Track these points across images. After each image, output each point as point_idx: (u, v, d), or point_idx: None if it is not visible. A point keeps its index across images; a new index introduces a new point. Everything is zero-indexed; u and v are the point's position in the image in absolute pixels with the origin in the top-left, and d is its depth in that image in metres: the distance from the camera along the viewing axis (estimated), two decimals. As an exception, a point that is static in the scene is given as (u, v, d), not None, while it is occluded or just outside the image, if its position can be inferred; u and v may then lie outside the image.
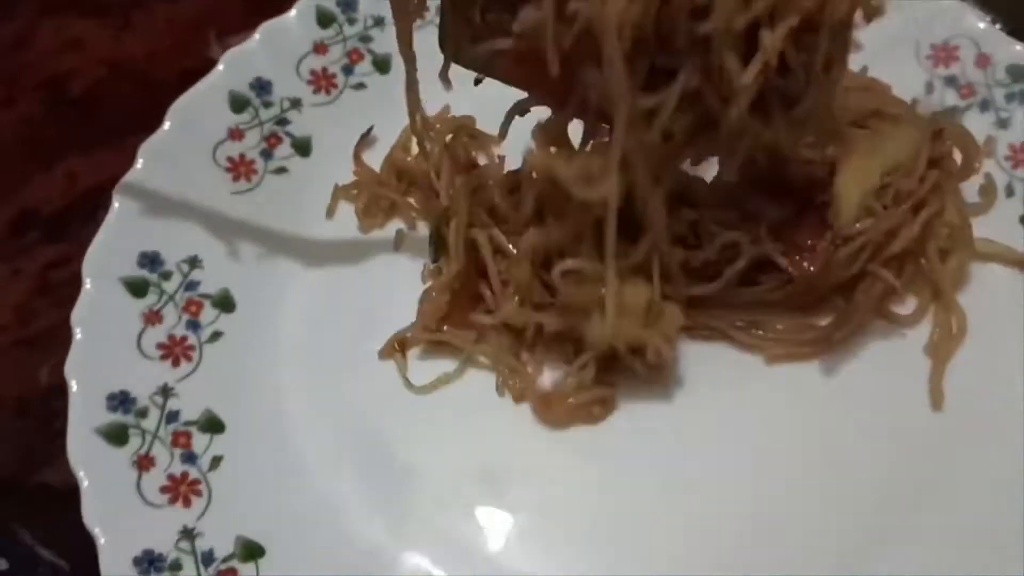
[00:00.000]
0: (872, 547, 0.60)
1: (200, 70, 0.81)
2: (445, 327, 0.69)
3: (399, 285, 0.72)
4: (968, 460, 0.63)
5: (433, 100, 0.77)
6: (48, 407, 0.71)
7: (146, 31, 0.90)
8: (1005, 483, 0.62)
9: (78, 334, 0.64)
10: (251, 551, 0.60)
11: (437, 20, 0.63)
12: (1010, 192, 0.72)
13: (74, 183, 0.82)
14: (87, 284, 0.66)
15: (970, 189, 0.72)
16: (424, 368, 0.69)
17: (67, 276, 0.75)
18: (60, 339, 0.70)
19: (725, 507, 0.62)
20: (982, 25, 0.76)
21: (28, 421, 0.71)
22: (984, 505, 0.61)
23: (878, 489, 0.62)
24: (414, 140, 0.74)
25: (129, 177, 0.70)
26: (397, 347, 0.69)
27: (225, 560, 0.59)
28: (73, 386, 0.62)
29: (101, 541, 0.57)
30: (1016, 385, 0.65)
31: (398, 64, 0.78)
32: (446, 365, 0.68)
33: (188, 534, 0.59)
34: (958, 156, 0.72)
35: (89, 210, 0.78)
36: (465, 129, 0.77)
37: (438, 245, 0.70)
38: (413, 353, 0.69)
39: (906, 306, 0.69)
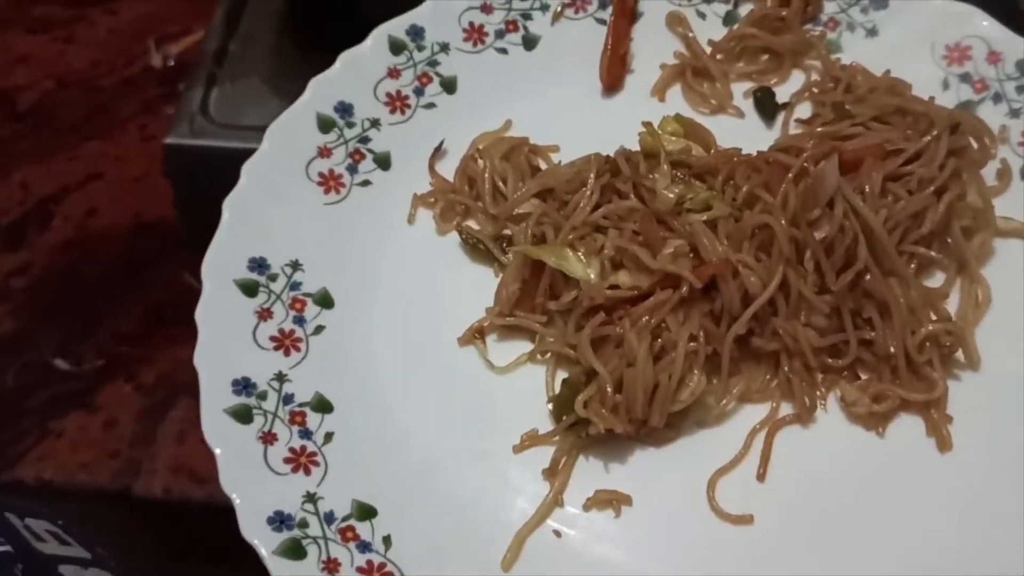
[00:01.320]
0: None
1: (142, 77, 0.90)
2: (518, 312, 0.78)
3: (474, 281, 0.80)
4: (1005, 413, 0.71)
5: (496, 117, 0.87)
6: (17, 407, 0.77)
7: (89, 43, 0.95)
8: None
9: (202, 330, 0.72)
10: (366, 511, 0.68)
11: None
12: (1024, 174, 0.80)
13: (29, 192, 0.87)
14: (206, 287, 0.74)
15: (988, 174, 0.80)
16: (501, 350, 0.77)
17: (27, 283, 0.81)
18: (25, 342, 0.76)
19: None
20: (990, 25, 0.84)
21: (-1, 420, 0.77)
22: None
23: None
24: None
25: (235, 192, 0.79)
26: (476, 335, 0.78)
27: (344, 519, 0.67)
28: (203, 375, 0.70)
29: (238, 503, 0.65)
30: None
31: (464, 84, 0.89)
32: (522, 347, 0.77)
33: (311, 498, 0.67)
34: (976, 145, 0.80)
35: (45, 218, 0.84)
36: (523, 144, 0.86)
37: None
38: (490, 338, 0.78)
39: (935, 280, 0.77)
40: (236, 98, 0.85)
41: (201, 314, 0.73)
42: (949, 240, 0.77)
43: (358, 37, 0.88)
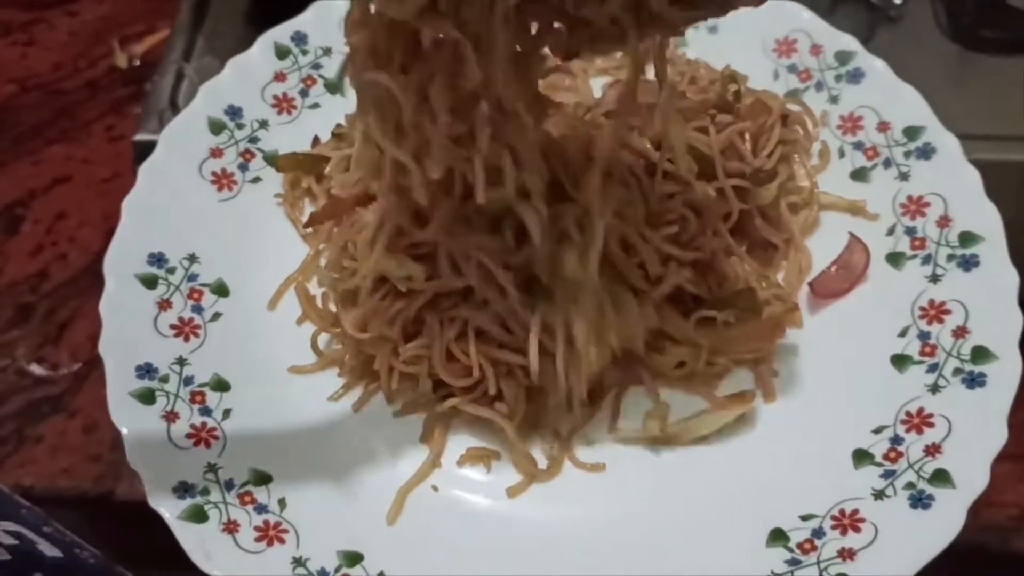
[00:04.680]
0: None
1: (107, 78, 0.89)
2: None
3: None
4: (825, 357, 0.82)
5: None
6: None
7: (50, 45, 0.94)
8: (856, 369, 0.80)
9: (106, 321, 0.79)
10: (262, 477, 0.75)
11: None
12: (842, 154, 0.90)
13: (-4, 198, 0.88)
14: (109, 281, 0.81)
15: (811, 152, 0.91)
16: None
17: (-4, 289, 0.83)
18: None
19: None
20: (812, 19, 0.94)
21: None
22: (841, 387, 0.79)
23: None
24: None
25: (133, 193, 0.85)
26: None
27: (243, 486, 0.74)
28: (108, 361, 0.77)
29: (146, 477, 0.72)
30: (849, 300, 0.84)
31: (347, 84, 0.96)
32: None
33: (212, 468, 0.75)
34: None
35: (13, 223, 0.85)
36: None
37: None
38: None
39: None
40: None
41: (105, 306, 0.80)
42: (780, 216, 0.87)
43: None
